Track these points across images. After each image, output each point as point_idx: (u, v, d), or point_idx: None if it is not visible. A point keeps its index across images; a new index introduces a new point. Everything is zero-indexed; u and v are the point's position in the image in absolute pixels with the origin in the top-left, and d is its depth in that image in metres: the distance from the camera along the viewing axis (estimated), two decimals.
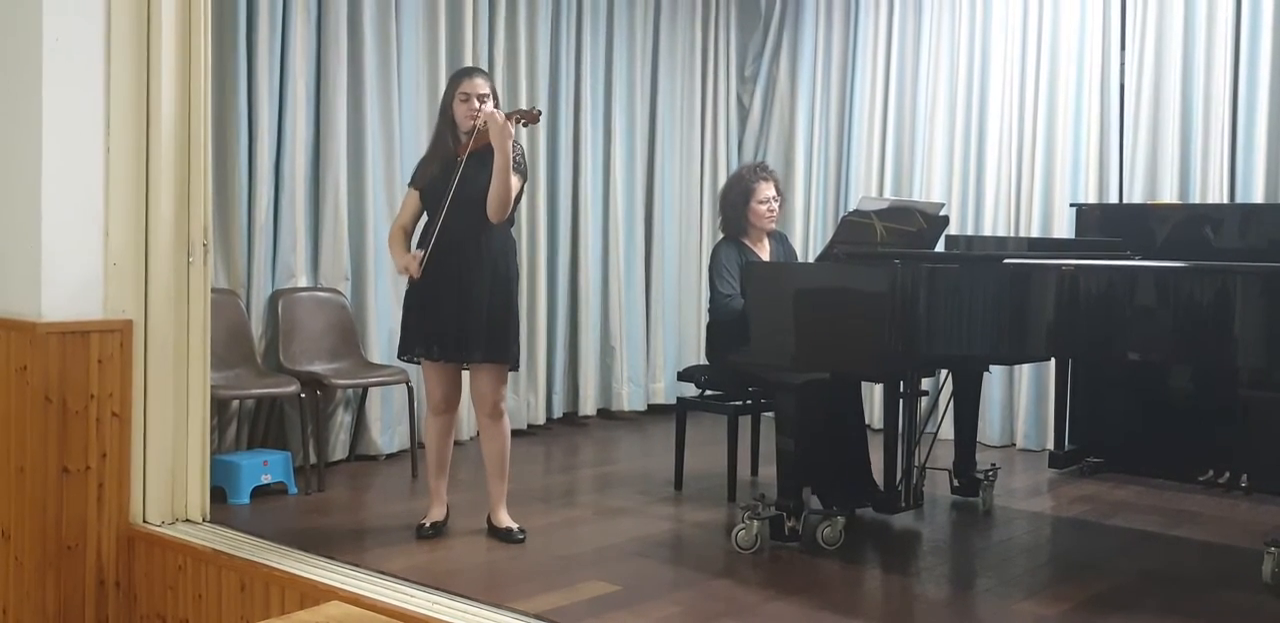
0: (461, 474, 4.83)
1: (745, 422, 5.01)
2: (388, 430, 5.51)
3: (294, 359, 5.14)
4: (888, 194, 6.53)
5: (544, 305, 6.30)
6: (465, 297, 4.02)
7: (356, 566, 3.75)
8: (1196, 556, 4.20)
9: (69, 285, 3.93)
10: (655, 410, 6.81)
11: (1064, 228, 5.88)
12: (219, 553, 3.81)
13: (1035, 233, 6.03)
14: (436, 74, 5.72)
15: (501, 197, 3.98)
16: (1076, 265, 3.60)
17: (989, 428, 6.03)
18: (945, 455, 4.92)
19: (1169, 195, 5.65)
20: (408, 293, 4.21)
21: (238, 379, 4.85)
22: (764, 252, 4.79)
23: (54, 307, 3.90)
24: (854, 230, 4.21)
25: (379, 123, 5.54)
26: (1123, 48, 5.80)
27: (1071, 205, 5.73)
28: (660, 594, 3.62)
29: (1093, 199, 5.84)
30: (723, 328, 4.53)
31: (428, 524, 4.20)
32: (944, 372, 4.84)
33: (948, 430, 4.91)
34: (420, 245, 4.11)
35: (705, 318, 5.42)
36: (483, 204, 3.99)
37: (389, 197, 5.49)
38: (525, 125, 4.18)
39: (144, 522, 4.07)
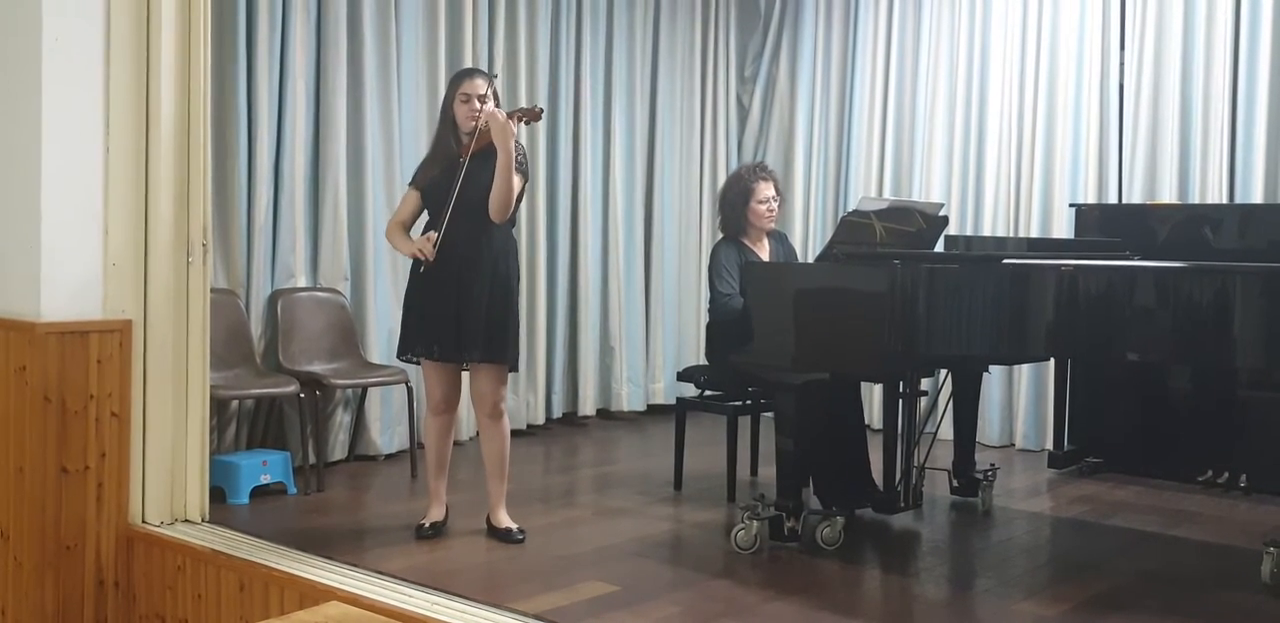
0: (461, 474, 4.82)
1: (745, 422, 5.00)
2: (387, 431, 5.51)
3: (293, 359, 5.14)
4: (887, 194, 6.53)
5: (544, 305, 6.30)
6: (465, 297, 4.01)
7: (355, 566, 3.75)
8: (1196, 556, 4.20)
9: (68, 285, 3.92)
10: (655, 411, 6.81)
11: (1063, 228, 5.88)
12: (218, 553, 3.81)
13: (1034, 233, 6.03)
14: (436, 74, 5.73)
15: (504, 196, 3.97)
16: (1076, 266, 3.60)
17: (988, 428, 6.04)
18: (945, 456, 4.92)
19: (1168, 195, 5.65)
20: (408, 293, 4.20)
21: (237, 379, 4.85)
22: (763, 252, 4.79)
23: (53, 307, 3.89)
24: (853, 230, 4.20)
25: (379, 123, 5.54)
26: (1122, 47, 5.80)
27: (1071, 205, 5.73)
28: (660, 595, 3.61)
29: (1092, 199, 5.84)
30: (722, 328, 4.53)
31: (427, 524, 4.19)
32: (943, 372, 4.84)
33: (947, 431, 4.91)
34: (430, 229, 4.06)
35: (705, 318, 5.43)
36: (485, 205, 3.98)
37: (388, 197, 5.49)
38: (527, 124, 4.17)
39: (143, 522, 4.07)
